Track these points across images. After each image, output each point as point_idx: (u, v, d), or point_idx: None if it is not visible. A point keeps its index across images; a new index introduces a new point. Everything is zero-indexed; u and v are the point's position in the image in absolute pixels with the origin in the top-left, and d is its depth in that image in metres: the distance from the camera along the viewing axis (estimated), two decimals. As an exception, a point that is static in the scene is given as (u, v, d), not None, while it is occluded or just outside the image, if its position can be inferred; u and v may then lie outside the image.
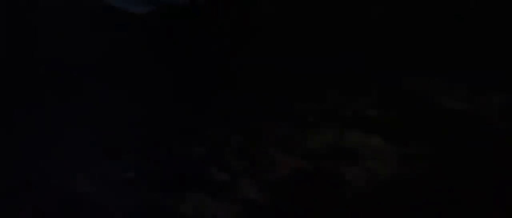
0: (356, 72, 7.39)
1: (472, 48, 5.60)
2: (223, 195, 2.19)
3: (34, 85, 5.59)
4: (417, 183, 2.43)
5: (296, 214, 2.11)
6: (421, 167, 2.62)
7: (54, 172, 2.46)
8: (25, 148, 3.37)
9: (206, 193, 2.20)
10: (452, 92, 4.52)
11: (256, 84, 7.11)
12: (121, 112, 4.67)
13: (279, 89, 6.38)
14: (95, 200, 2.10)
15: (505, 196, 2.26)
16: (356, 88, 5.82)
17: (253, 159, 2.64)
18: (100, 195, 2.16)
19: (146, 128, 3.76)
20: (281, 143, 2.97)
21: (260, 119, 3.83)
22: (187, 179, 2.38)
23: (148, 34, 5.87)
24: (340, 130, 3.29)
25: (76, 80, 5.41)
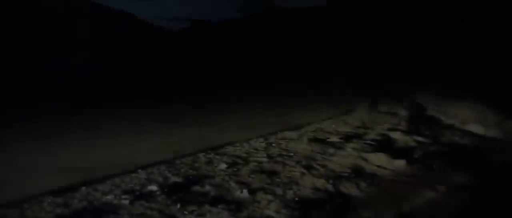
0: (378, 90, 7.25)
1: (493, 66, 5.41)
2: (243, 211, 2.22)
3: (34, 86, 5.73)
4: (441, 209, 2.40)
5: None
6: (445, 193, 2.59)
7: (72, 180, 2.54)
8: (31, 151, 3.33)
9: (226, 208, 2.23)
10: (481, 117, 4.39)
11: (281, 100, 7.09)
12: (138, 122, 4.75)
13: (304, 106, 6.34)
14: (118, 212, 2.16)
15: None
16: (379, 110, 5.71)
17: (273, 176, 2.66)
18: (123, 206, 2.22)
19: (164, 140, 3.83)
20: (302, 161, 2.98)
21: (282, 137, 3.85)
22: (208, 194, 2.43)
23: (179, 48, 6.02)
24: (363, 151, 3.27)
25: (91, 86, 5.49)
